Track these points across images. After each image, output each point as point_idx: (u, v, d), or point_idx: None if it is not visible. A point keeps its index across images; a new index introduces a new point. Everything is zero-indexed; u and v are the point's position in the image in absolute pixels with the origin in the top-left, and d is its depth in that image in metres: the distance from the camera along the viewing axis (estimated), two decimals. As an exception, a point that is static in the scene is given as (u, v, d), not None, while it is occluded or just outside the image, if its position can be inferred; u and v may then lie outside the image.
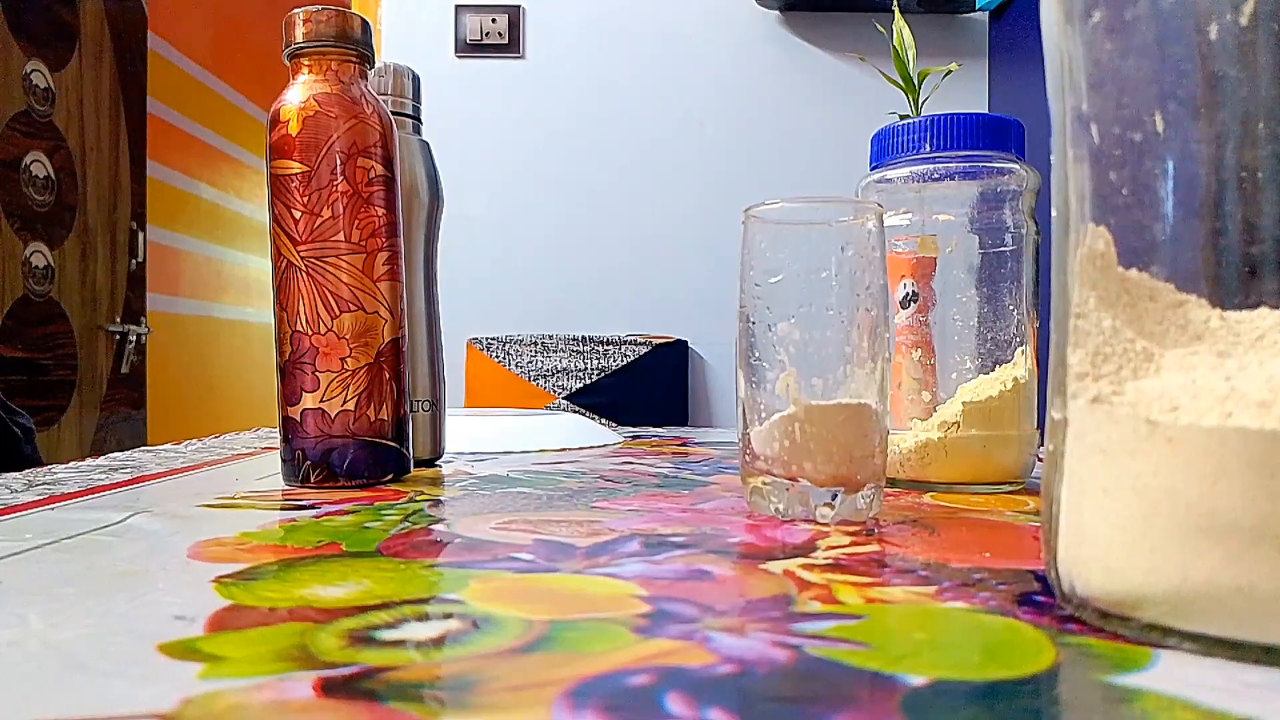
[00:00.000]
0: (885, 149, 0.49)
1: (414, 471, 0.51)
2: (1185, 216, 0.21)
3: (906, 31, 0.57)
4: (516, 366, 1.59)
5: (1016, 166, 0.47)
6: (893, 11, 0.61)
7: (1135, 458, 0.20)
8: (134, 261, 2.26)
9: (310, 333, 0.44)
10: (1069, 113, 0.23)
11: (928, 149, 0.47)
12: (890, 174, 0.48)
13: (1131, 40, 0.21)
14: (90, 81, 2.05)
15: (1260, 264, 0.21)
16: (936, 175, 0.47)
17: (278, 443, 0.46)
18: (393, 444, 0.46)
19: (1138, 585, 0.20)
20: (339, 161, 0.44)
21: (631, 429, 0.92)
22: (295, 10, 0.46)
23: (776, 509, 0.36)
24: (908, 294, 0.48)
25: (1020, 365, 0.46)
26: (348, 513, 0.37)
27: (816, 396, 0.35)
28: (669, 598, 0.24)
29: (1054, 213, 0.24)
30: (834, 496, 0.35)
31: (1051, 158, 0.24)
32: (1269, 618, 0.19)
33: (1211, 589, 0.19)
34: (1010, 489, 0.45)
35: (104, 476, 0.48)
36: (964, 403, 0.45)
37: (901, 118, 0.51)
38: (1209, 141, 0.21)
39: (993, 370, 0.46)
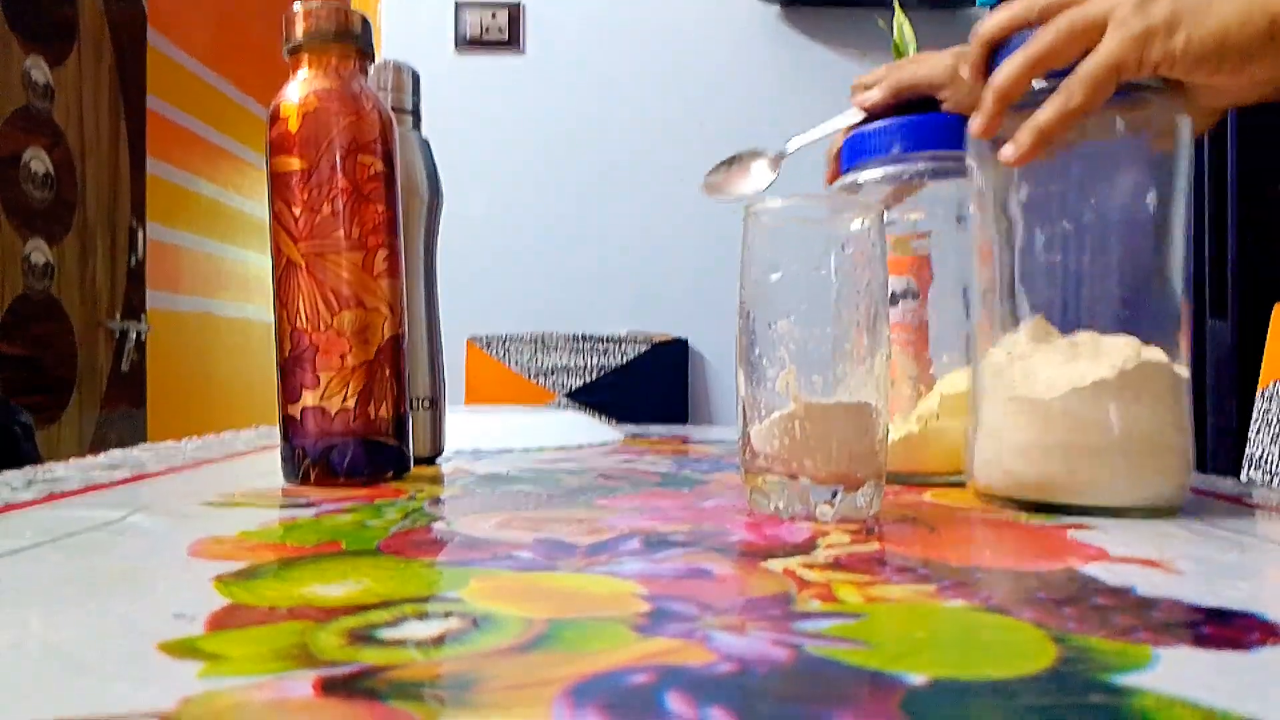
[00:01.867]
0: (855, 153, 0.49)
1: (414, 469, 0.51)
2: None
3: (907, 27, 0.57)
4: (516, 364, 1.59)
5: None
6: (893, 7, 0.61)
7: (1012, 414, 0.40)
8: (134, 258, 2.26)
9: (310, 330, 0.44)
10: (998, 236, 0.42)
11: (898, 150, 0.47)
12: (861, 177, 0.48)
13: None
14: (90, 78, 2.05)
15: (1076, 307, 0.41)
16: (905, 176, 0.47)
17: (278, 441, 0.46)
18: (392, 442, 0.46)
19: (1017, 479, 0.39)
20: (339, 158, 0.44)
21: (631, 427, 0.92)
22: (295, 6, 0.46)
23: (776, 507, 0.36)
24: (893, 292, 0.48)
25: None
26: (347, 511, 0.37)
27: (816, 394, 0.35)
28: (669, 596, 0.24)
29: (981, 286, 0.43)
30: (834, 494, 0.35)
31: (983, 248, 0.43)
32: (1077, 493, 0.38)
33: (1054, 479, 0.38)
34: None
35: (104, 474, 0.48)
36: (941, 394, 0.46)
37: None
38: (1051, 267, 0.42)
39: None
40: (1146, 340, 0.38)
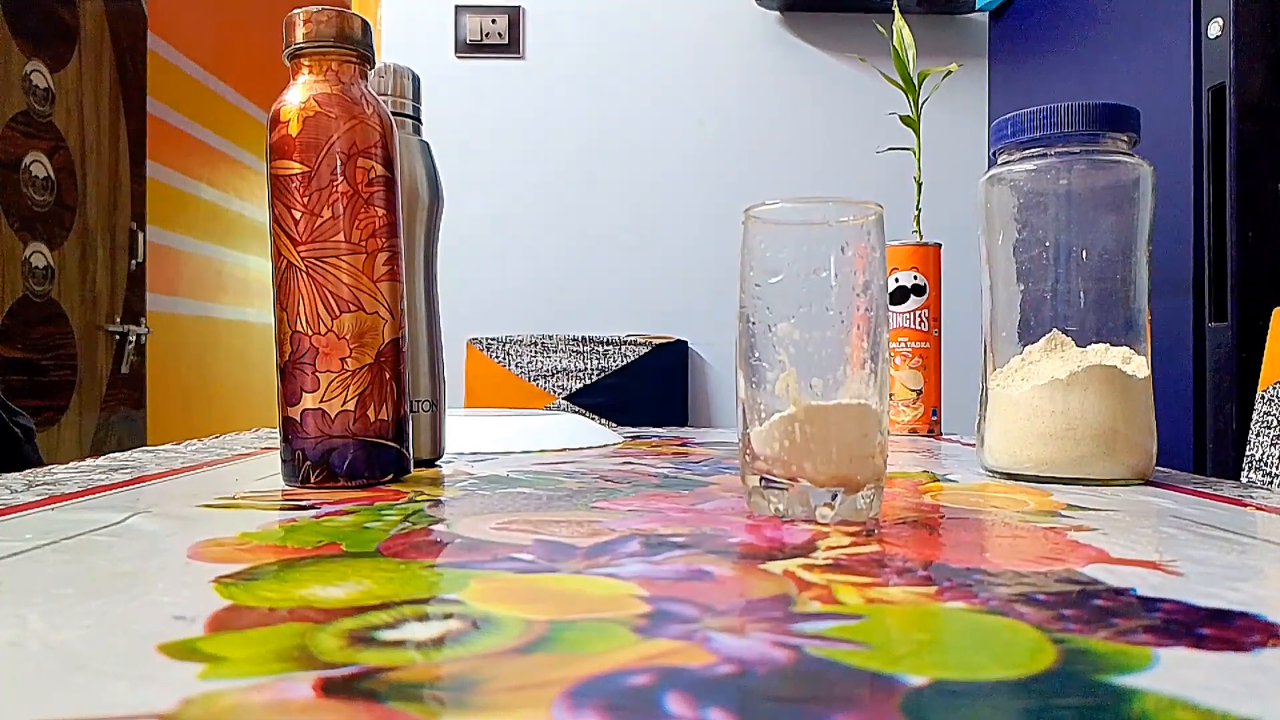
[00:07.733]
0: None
1: (414, 472, 0.51)
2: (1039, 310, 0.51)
3: (906, 32, 0.57)
4: (516, 367, 1.59)
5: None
6: (892, 12, 0.61)
7: (1011, 406, 0.50)
8: (134, 262, 2.26)
9: (310, 333, 0.44)
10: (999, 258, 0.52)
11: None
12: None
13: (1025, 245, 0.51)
14: (90, 82, 2.05)
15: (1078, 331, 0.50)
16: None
17: (278, 443, 0.46)
18: (393, 444, 0.46)
19: (1009, 460, 0.50)
20: (339, 162, 0.44)
21: (631, 429, 0.92)
22: (295, 11, 0.46)
23: (776, 509, 0.36)
24: (901, 286, 0.48)
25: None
26: (348, 513, 0.37)
27: (816, 397, 0.35)
28: (669, 598, 0.24)
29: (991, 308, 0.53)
30: (834, 497, 0.35)
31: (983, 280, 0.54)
32: (1055, 468, 0.48)
33: (1032, 460, 0.49)
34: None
35: (104, 477, 0.48)
36: None
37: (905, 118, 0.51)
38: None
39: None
40: (1116, 347, 0.48)
